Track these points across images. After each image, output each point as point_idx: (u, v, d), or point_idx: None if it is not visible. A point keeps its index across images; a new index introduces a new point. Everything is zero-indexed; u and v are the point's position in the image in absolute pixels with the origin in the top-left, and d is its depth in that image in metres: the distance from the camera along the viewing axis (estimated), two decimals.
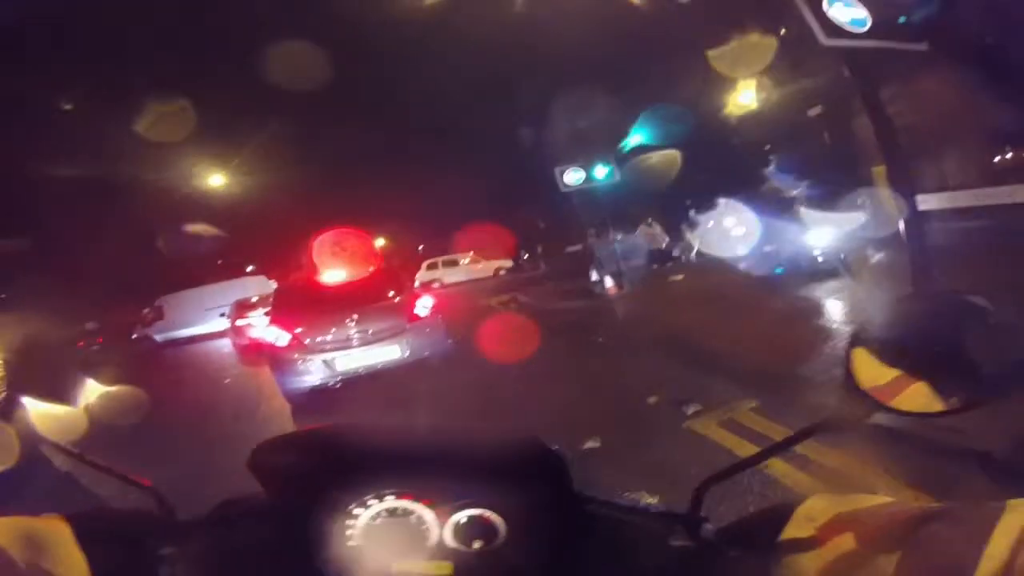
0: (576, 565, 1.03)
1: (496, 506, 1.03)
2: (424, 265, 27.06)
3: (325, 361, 7.03)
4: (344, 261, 7.56)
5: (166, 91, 16.40)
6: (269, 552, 1.07)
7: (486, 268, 27.29)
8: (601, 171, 14.32)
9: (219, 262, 23.91)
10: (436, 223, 27.88)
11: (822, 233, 9.99)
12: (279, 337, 7.16)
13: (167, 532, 1.04)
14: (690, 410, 4.92)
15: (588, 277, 15.31)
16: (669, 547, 0.94)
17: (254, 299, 14.35)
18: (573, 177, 14.43)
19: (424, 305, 7.72)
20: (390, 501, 1.06)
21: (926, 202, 6.88)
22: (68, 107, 15.82)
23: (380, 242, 23.56)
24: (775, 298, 9.24)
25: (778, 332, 6.48)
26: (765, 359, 5.62)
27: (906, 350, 0.83)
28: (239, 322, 13.89)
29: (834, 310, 7.88)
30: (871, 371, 0.83)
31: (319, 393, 7.03)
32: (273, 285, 15.53)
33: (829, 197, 10.03)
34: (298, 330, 7.12)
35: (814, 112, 11.36)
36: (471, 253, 27.76)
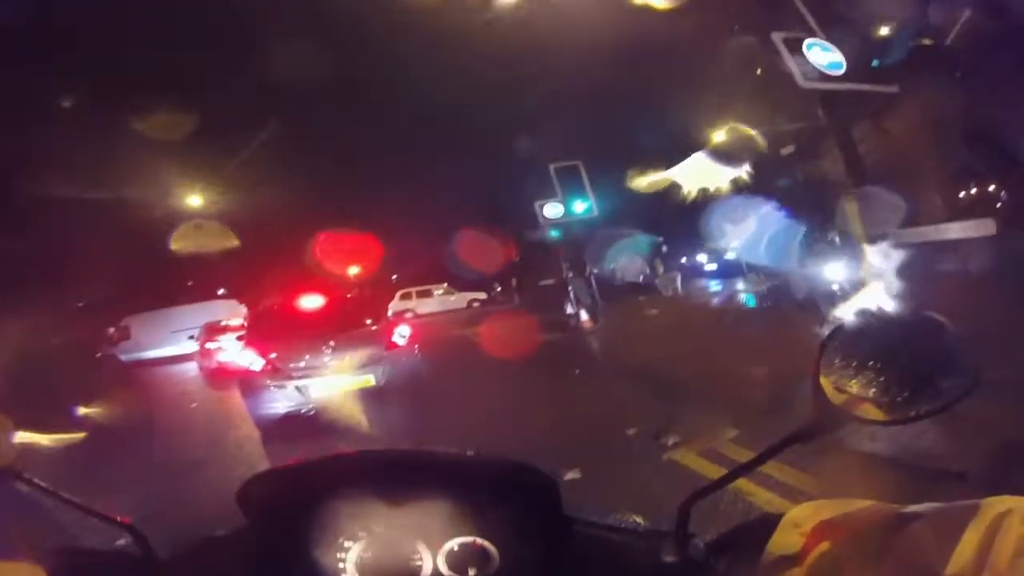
0: None
1: (488, 533, 1.02)
2: (398, 295, 26.91)
3: (299, 387, 6.86)
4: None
5: (136, 106, 16.18)
6: None
7: (460, 299, 27.29)
8: (580, 205, 14.52)
9: (189, 284, 23.45)
10: (410, 254, 27.80)
11: (837, 266, 9.99)
12: (253, 361, 7.00)
13: (147, 572, 1.01)
14: (670, 441, 4.91)
15: (562, 310, 15.33)
16: (659, 564, 0.94)
17: (224, 322, 14.14)
18: (553, 211, 14.62)
19: (402, 334, 7.65)
20: (381, 532, 1.04)
21: (897, 236, 7.08)
22: (47, 112, 15.53)
23: (354, 270, 23.32)
24: (755, 329, 9.31)
25: (756, 362, 6.53)
26: (742, 389, 5.65)
27: (869, 364, 0.86)
28: (208, 345, 13.62)
29: (817, 338, 7.89)
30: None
31: (290, 419, 6.82)
32: (243, 309, 15.32)
33: (829, 231, 10.13)
34: (273, 355, 6.98)
35: (786, 151, 11.66)
36: (445, 284, 27.75)
